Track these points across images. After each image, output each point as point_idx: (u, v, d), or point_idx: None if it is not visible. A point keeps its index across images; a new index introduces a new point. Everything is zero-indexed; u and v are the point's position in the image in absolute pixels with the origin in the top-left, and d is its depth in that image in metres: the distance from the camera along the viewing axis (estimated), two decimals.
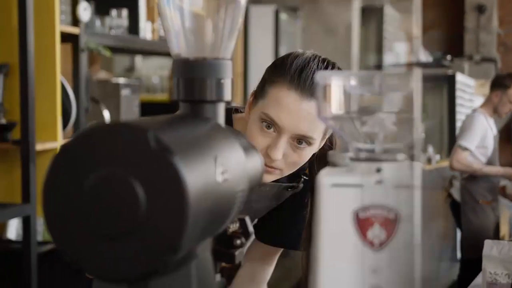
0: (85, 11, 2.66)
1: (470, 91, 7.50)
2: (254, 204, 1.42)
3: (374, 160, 0.71)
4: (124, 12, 3.03)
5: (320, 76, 0.71)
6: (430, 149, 6.17)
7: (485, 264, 1.96)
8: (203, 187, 0.65)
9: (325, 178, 0.70)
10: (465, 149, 4.28)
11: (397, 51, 5.44)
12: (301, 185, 1.45)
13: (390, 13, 7.37)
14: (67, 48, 2.68)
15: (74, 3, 2.64)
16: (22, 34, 2.35)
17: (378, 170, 0.70)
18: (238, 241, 0.88)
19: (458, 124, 6.99)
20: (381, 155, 0.71)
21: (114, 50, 3.23)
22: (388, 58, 5.37)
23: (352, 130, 0.73)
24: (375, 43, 7.14)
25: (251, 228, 0.89)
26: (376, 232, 0.69)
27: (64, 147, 0.64)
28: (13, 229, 2.69)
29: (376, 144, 0.73)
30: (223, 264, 0.93)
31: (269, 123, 1.26)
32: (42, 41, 2.45)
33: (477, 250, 4.89)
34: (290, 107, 1.23)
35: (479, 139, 4.33)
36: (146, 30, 3.27)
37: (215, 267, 0.91)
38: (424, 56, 5.81)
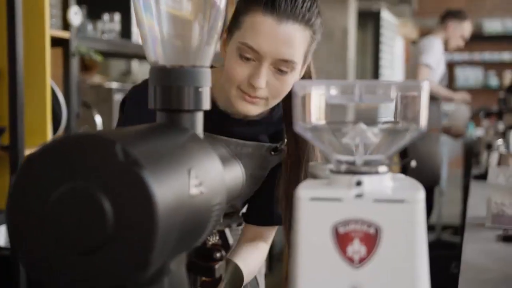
0: (76, 15, 2.63)
1: (392, 30, 7.56)
2: None
3: (355, 172, 0.68)
4: (117, 16, 3.01)
5: (299, 85, 0.69)
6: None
7: (491, 193, 1.84)
8: (175, 201, 0.63)
9: (304, 191, 0.68)
10: (427, 65, 4.30)
11: None
12: (285, 147, 1.42)
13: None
14: (57, 52, 2.66)
15: (65, 7, 2.62)
16: (11, 38, 2.32)
17: (358, 183, 0.67)
18: (218, 254, 0.85)
19: (382, 62, 7.06)
20: (362, 168, 0.69)
21: (107, 54, 3.20)
22: None
23: (332, 141, 0.71)
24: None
25: (231, 240, 0.86)
26: (356, 248, 0.66)
27: (29, 158, 0.62)
28: (2, 236, 2.66)
29: (356, 156, 0.70)
30: (203, 278, 0.90)
31: (248, 53, 1.24)
32: (31, 45, 2.42)
33: (424, 179, 4.95)
34: (267, 31, 1.22)
35: (437, 59, 4.37)
36: (138, 34, 3.24)
37: (195, 281, 0.88)
38: None
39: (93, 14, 2.96)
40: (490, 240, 1.72)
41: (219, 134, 1.39)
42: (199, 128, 0.80)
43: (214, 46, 0.83)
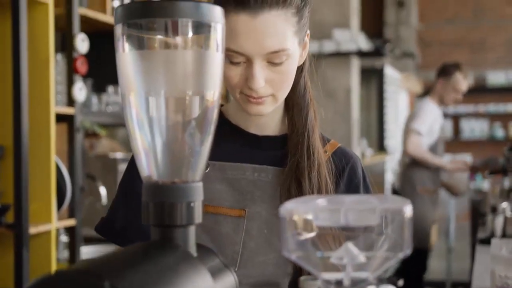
0: (80, 92, 2.68)
1: (396, 84, 7.65)
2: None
3: None
4: None
5: (285, 209, 0.71)
6: (364, 143, 6.16)
7: (494, 266, 1.78)
8: None
9: None
10: (418, 133, 4.32)
11: (337, 39, 5.33)
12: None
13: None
14: (62, 128, 2.70)
15: (70, 83, 2.67)
16: (16, 116, 2.36)
17: None
18: None
19: (387, 117, 7.13)
20: None
21: (112, 125, 3.25)
22: (328, 46, 5.30)
23: (319, 261, 0.72)
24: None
25: None
26: None
27: None
28: None
29: (344, 274, 0.71)
30: None
31: (235, 57, 1.16)
32: (36, 122, 2.46)
33: (413, 240, 4.87)
34: (245, 29, 1.14)
35: (428, 125, 4.39)
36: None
37: None
38: (364, 44, 5.73)
39: (98, 87, 3.02)
40: None
41: (232, 159, 1.28)
42: (191, 242, 0.81)
43: (206, 156, 0.85)
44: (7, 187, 2.41)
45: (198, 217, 0.81)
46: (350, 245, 0.71)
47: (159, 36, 0.77)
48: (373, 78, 7.10)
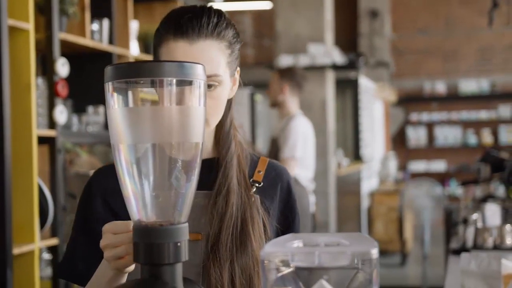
0: (61, 114, 2.73)
1: (371, 94, 7.83)
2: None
3: None
4: (101, 109, 3.12)
5: (264, 252, 0.78)
6: (340, 153, 6.26)
7: (463, 279, 1.85)
8: None
9: None
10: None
11: (312, 53, 5.48)
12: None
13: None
14: (44, 150, 2.75)
15: (51, 106, 2.72)
16: None
17: None
18: None
19: (362, 127, 7.29)
20: None
21: (92, 144, 3.31)
22: (303, 60, 5.35)
23: None
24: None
25: None
26: None
27: None
28: None
29: None
30: None
31: None
32: (19, 145, 2.51)
33: None
34: (182, 54, 1.22)
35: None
36: None
37: None
38: (339, 57, 5.81)
39: (78, 108, 3.07)
40: None
41: None
42: (178, 278, 0.88)
43: (191, 199, 0.92)
44: None
45: (184, 255, 0.89)
46: (324, 282, 0.79)
47: (146, 94, 0.84)
48: (348, 88, 7.22)
